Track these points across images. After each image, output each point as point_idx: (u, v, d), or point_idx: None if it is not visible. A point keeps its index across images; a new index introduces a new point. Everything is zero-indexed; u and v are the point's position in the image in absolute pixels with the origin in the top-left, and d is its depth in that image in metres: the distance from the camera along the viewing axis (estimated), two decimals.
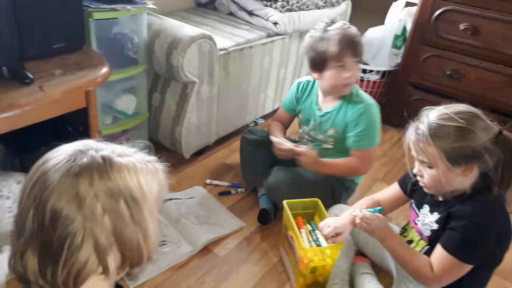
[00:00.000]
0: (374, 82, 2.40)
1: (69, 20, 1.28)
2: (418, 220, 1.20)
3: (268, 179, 1.53)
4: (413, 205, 1.25)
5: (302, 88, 1.61)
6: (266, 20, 2.03)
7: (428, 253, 1.14)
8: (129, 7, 1.43)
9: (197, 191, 1.69)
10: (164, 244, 1.41)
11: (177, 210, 1.56)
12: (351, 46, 1.39)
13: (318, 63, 1.43)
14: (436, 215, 1.13)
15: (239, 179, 1.80)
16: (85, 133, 1.33)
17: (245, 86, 1.97)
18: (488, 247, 1.06)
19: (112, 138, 1.64)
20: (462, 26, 2.01)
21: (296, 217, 1.38)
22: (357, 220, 1.18)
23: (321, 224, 1.28)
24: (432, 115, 1.05)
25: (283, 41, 2.08)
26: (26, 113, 1.08)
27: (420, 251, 1.18)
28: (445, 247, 1.07)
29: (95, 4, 1.39)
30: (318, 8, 2.21)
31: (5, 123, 1.05)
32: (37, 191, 0.59)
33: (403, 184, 1.29)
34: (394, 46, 2.36)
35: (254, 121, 2.24)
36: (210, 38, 1.64)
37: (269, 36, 2.01)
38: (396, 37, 2.36)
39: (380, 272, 1.38)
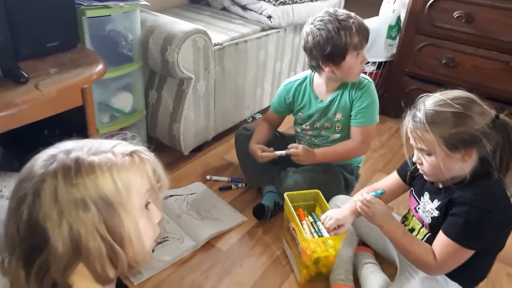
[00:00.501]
0: (370, 73, 2.40)
1: (62, 19, 1.27)
2: (419, 208, 1.20)
3: (287, 183, 1.51)
4: (413, 193, 1.25)
5: (294, 90, 1.57)
6: (260, 14, 2.02)
7: (430, 240, 1.14)
8: (121, 4, 1.42)
9: (197, 187, 1.69)
10: (167, 240, 1.40)
11: (178, 206, 1.56)
12: (366, 34, 1.39)
13: (337, 55, 1.38)
14: (436, 202, 1.13)
15: (239, 174, 1.79)
16: (83, 132, 1.32)
17: (242, 81, 1.97)
18: (491, 232, 1.06)
19: (111, 137, 1.63)
20: (456, 14, 2.01)
21: (297, 209, 1.38)
22: (358, 204, 1.18)
23: (323, 216, 1.28)
24: (428, 102, 1.05)
25: (278, 35, 2.08)
26: (22, 112, 1.07)
27: (422, 239, 1.18)
28: (447, 233, 1.07)
29: (88, 2, 1.38)
30: (312, 1, 2.21)
31: (2, 123, 1.04)
32: (15, 204, 0.60)
33: (401, 172, 1.29)
34: (389, 36, 2.36)
35: (252, 116, 2.24)
36: (204, 33, 1.63)
37: (263, 30, 2.00)
38: (391, 27, 2.36)
39: (383, 261, 1.38)
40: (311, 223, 1.37)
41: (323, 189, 1.42)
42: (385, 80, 2.42)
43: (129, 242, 0.62)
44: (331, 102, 1.52)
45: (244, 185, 1.73)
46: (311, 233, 1.35)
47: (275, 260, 1.41)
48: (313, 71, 1.53)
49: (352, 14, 1.41)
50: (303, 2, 2.16)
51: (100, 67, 1.27)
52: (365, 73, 2.39)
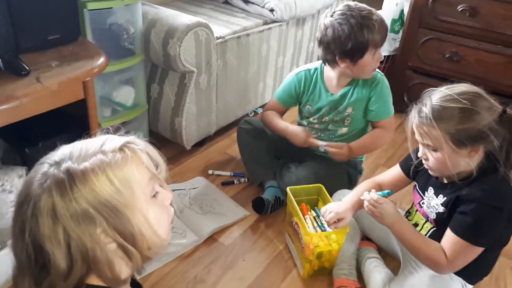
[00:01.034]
0: None
1: (64, 11, 1.26)
2: (423, 203, 1.19)
3: (289, 178, 1.50)
4: (417, 188, 1.24)
5: (304, 80, 1.53)
6: (262, 7, 2.00)
7: (435, 235, 1.14)
8: None
9: (199, 181, 1.68)
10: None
11: (181, 200, 1.55)
12: (386, 32, 1.37)
13: (357, 52, 1.34)
14: (441, 198, 1.12)
15: (241, 168, 1.79)
16: (84, 126, 1.31)
17: (244, 75, 1.96)
18: (500, 229, 1.05)
19: (113, 131, 1.62)
20: (460, 8, 1.99)
21: (300, 203, 1.37)
22: (365, 204, 1.16)
23: (323, 209, 1.27)
24: (434, 97, 1.03)
25: (280, 28, 2.06)
26: (24, 105, 1.06)
27: (426, 234, 1.17)
28: (456, 231, 1.05)
29: None
30: None
31: (4, 116, 1.04)
32: (18, 229, 0.59)
33: (404, 166, 1.28)
34: (392, 30, 2.35)
35: (254, 111, 2.23)
36: (206, 26, 1.62)
37: (265, 23, 1.99)
38: (394, 21, 2.34)
39: (386, 256, 1.37)
40: (314, 217, 1.36)
41: (326, 184, 1.41)
42: (388, 75, 2.38)
43: (142, 237, 0.62)
44: (343, 96, 1.50)
45: (246, 179, 1.72)
46: (314, 227, 1.35)
47: (277, 255, 1.40)
48: (324, 64, 1.49)
49: (373, 9, 1.37)
50: None
51: (101, 60, 1.26)
52: None
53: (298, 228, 1.30)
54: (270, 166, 1.61)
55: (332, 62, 1.42)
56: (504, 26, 1.92)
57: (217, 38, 1.71)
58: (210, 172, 1.75)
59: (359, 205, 1.22)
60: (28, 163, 1.28)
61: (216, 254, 1.38)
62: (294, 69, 2.33)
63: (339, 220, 1.23)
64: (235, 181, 1.71)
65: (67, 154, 0.61)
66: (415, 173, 1.24)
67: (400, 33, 2.31)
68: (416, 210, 1.24)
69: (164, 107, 1.76)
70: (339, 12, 1.35)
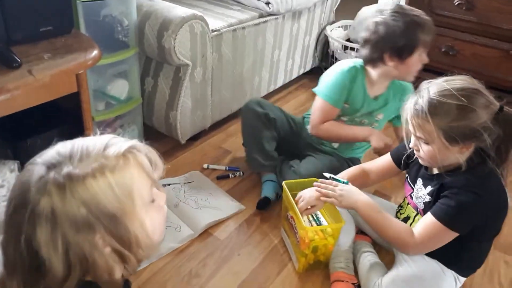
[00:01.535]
0: None
1: (56, 2, 1.23)
2: (413, 194, 1.20)
3: (289, 176, 1.48)
4: (408, 180, 1.24)
5: (352, 77, 1.47)
6: (258, 0, 1.98)
7: None
8: None
9: (194, 176, 1.67)
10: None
11: (175, 195, 1.54)
12: (434, 34, 1.37)
13: (408, 50, 1.34)
14: (429, 188, 1.12)
15: (237, 163, 1.78)
16: (78, 120, 1.30)
17: (239, 68, 1.94)
18: (477, 217, 1.05)
19: (106, 125, 1.61)
20: (456, 1, 1.98)
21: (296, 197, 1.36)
22: (317, 189, 1.19)
23: (298, 196, 1.27)
24: (432, 89, 1.02)
25: (276, 22, 2.04)
26: (15, 98, 1.04)
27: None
28: (433, 213, 1.06)
29: None
30: None
31: None
32: (14, 231, 0.57)
33: (395, 155, 1.28)
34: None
35: None
36: (201, 19, 1.60)
37: (261, 16, 1.97)
38: None
39: (381, 250, 1.38)
40: None
41: None
42: None
43: (137, 242, 0.61)
44: (379, 101, 1.50)
45: (241, 173, 1.71)
46: (310, 221, 1.34)
47: (273, 249, 1.40)
48: (366, 64, 1.46)
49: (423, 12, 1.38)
50: None
51: (95, 52, 1.24)
52: None
53: (294, 222, 1.30)
54: (272, 159, 1.58)
55: (377, 61, 1.40)
56: (500, 20, 1.92)
57: (213, 31, 1.70)
58: (205, 166, 1.74)
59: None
60: (20, 157, 1.27)
61: (211, 249, 1.37)
62: (290, 63, 2.32)
63: (312, 207, 1.23)
64: (230, 175, 1.70)
65: (67, 155, 0.58)
66: (406, 164, 1.24)
67: None
68: (408, 203, 1.24)
69: (159, 101, 1.75)
70: (392, 10, 1.36)
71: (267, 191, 1.56)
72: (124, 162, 0.60)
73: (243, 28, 1.86)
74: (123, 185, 0.58)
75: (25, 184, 0.57)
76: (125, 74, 1.63)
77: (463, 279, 1.18)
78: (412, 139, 1.10)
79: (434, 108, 0.99)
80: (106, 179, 0.57)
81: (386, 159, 1.31)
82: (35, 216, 0.55)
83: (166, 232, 1.36)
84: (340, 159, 1.57)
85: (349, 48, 2.38)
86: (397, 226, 1.12)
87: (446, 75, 1.41)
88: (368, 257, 1.31)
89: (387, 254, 1.36)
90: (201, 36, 1.62)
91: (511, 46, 1.94)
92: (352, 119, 1.54)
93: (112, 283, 0.62)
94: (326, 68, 2.60)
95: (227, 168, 1.74)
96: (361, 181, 1.31)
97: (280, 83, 2.33)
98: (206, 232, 1.42)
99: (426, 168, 1.16)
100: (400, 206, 1.30)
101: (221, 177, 1.69)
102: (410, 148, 1.14)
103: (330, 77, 1.50)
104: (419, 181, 1.17)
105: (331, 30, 2.50)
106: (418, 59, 1.37)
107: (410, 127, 1.06)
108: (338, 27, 2.59)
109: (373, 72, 1.45)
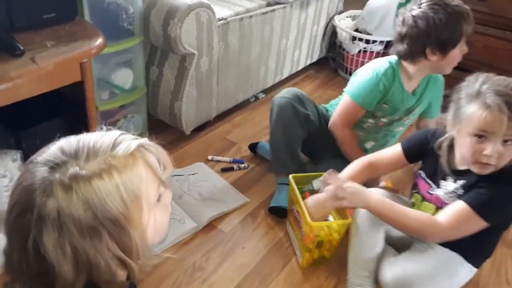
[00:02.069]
0: (378, 52, 2.33)
1: None
2: (433, 191, 1.15)
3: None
4: (423, 176, 1.20)
5: (389, 81, 1.39)
6: None
7: None
8: None
9: (199, 167, 1.65)
10: None
11: (180, 186, 1.53)
12: (474, 24, 1.32)
13: (451, 42, 1.28)
14: (460, 182, 1.09)
15: (241, 154, 1.76)
16: (81, 109, 1.28)
17: (246, 58, 1.91)
18: (508, 211, 1.04)
19: (110, 114, 1.59)
20: None
21: (304, 192, 1.35)
22: (328, 195, 1.13)
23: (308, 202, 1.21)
24: None
25: (284, 11, 2.00)
26: (18, 86, 1.02)
27: None
28: (468, 201, 1.03)
29: None
30: None
31: None
32: (19, 236, 0.54)
33: (407, 148, 1.23)
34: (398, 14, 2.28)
35: (255, 96, 2.19)
36: (208, 7, 1.56)
37: (269, 5, 1.93)
38: (400, 5, 2.27)
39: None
40: None
41: None
42: None
43: (136, 252, 0.58)
44: (418, 95, 1.46)
45: (246, 166, 1.69)
46: None
47: (277, 242, 1.38)
48: (403, 59, 1.39)
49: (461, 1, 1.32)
50: None
51: (99, 40, 1.22)
52: (372, 52, 2.34)
53: (299, 216, 1.28)
54: (299, 161, 1.48)
55: (417, 56, 1.34)
56: None
57: (219, 20, 1.66)
58: (209, 157, 1.72)
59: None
60: (23, 146, 1.25)
61: (215, 241, 1.36)
62: (297, 53, 2.28)
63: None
64: (235, 167, 1.68)
65: (72, 154, 0.55)
66: (415, 158, 1.21)
67: None
68: (423, 200, 1.20)
69: (164, 91, 1.72)
70: (429, 3, 1.29)
71: (282, 201, 1.46)
72: (132, 162, 0.57)
73: (250, 17, 1.82)
74: (130, 186, 0.56)
75: (28, 187, 0.54)
76: (130, 63, 1.60)
77: (475, 270, 1.16)
78: (495, 145, 0.97)
79: None
80: (113, 181, 0.54)
81: (395, 151, 1.26)
82: (42, 219, 0.52)
83: (170, 224, 1.35)
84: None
85: (357, 39, 2.34)
86: (416, 215, 1.08)
87: (456, 67, 1.38)
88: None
89: None
90: (208, 24, 1.59)
91: None
92: (391, 119, 1.48)
93: (117, 286, 0.61)
94: (333, 59, 2.58)
95: (232, 160, 1.72)
96: (369, 174, 1.27)
97: (286, 73, 2.30)
98: (210, 225, 1.41)
99: (447, 162, 1.11)
100: (412, 204, 1.26)
101: (226, 169, 1.67)
102: (438, 147, 1.10)
103: (363, 78, 1.41)
104: (448, 178, 1.12)
105: (339, 20, 2.45)
106: (459, 51, 1.32)
107: (496, 130, 0.96)
108: (347, 17, 2.54)
109: (411, 68, 1.39)
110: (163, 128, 1.82)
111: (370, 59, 2.33)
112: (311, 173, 1.39)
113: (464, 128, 1.01)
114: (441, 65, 1.35)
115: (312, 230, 1.21)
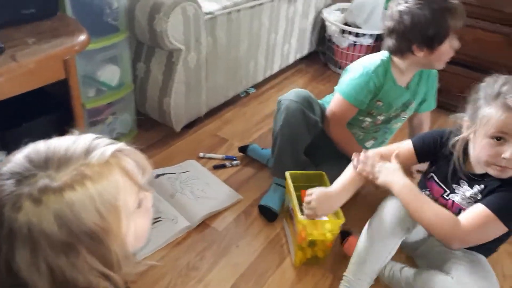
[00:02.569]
0: (368, 46, 2.32)
1: None
2: (448, 196, 1.12)
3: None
4: (436, 180, 1.16)
5: (379, 78, 1.36)
6: None
7: None
8: None
9: (190, 165, 1.62)
10: (160, 220, 1.34)
11: (171, 185, 1.49)
12: (465, 18, 1.28)
13: (438, 38, 1.25)
14: (478, 186, 1.05)
15: (234, 151, 1.73)
16: (68, 107, 1.23)
17: (234, 53, 1.87)
18: None
19: (98, 112, 1.54)
20: None
21: (300, 190, 1.32)
22: (355, 163, 1.12)
23: (307, 198, 1.18)
24: None
25: (272, 4, 1.97)
26: None
27: None
28: (488, 205, 0.99)
29: None
30: None
31: None
32: None
33: (419, 146, 1.18)
34: (387, 8, 2.27)
35: (245, 91, 2.16)
36: (194, 1, 1.53)
37: None
38: None
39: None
40: None
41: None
42: None
43: (118, 263, 0.55)
44: (411, 89, 1.43)
45: (239, 162, 1.66)
46: None
47: (272, 240, 1.36)
48: (393, 55, 1.36)
49: None
50: None
51: (83, 37, 1.18)
52: (361, 46, 2.32)
53: (294, 214, 1.26)
54: (301, 165, 1.43)
55: (405, 52, 1.31)
56: (502, 3, 1.87)
57: (206, 14, 1.62)
58: (201, 155, 1.68)
59: (354, 183, 1.16)
60: (8, 147, 1.20)
61: (209, 240, 1.33)
62: (286, 47, 2.25)
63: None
64: (227, 164, 1.65)
65: (41, 163, 0.51)
66: (425, 157, 1.18)
67: None
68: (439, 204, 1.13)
69: (152, 87, 1.68)
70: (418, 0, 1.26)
71: (272, 202, 1.44)
72: (108, 170, 0.53)
73: (238, 11, 1.78)
74: (106, 197, 0.52)
75: None
76: (116, 60, 1.55)
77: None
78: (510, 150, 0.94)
79: None
80: (87, 192, 0.50)
81: (406, 148, 1.19)
82: (12, 236, 0.49)
83: (162, 224, 1.33)
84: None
85: (346, 32, 2.32)
86: (440, 210, 1.02)
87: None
88: (406, 271, 1.17)
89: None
90: (194, 19, 1.55)
91: None
92: (388, 116, 1.46)
93: None
94: (323, 53, 2.56)
95: (224, 157, 1.69)
96: None
97: (276, 68, 2.27)
98: (204, 224, 1.38)
99: (461, 166, 1.08)
100: None
101: (218, 166, 1.64)
102: (463, 152, 1.07)
103: (353, 76, 1.38)
104: (463, 183, 1.09)
105: (328, 14, 2.43)
106: (449, 46, 1.28)
107: None
108: (335, 10, 2.52)
109: (402, 63, 1.36)
110: (152, 126, 1.78)
111: (360, 52, 2.31)
112: (310, 171, 1.36)
113: (482, 129, 0.98)
114: (430, 61, 1.32)
115: (304, 228, 1.19)
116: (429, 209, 1.03)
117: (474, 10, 1.93)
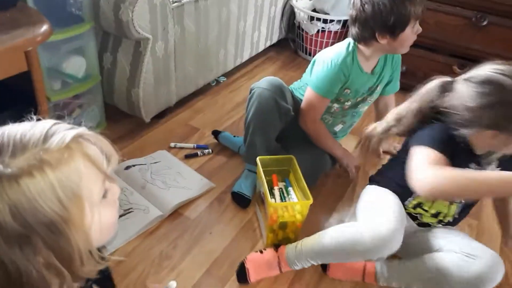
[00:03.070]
0: (336, 32, 2.35)
1: None
2: None
3: (310, 165, 1.45)
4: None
5: (346, 66, 1.38)
6: None
7: (465, 211, 1.17)
8: None
9: (161, 155, 1.62)
10: (131, 211, 1.35)
11: (142, 176, 1.49)
12: (425, 2, 1.30)
13: (399, 26, 1.27)
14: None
15: (205, 140, 1.74)
16: (32, 101, 1.21)
17: (203, 41, 1.87)
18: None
19: (64, 105, 1.52)
20: None
21: (271, 174, 1.35)
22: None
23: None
24: None
25: None
26: None
27: (454, 215, 1.16)
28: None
29: None
30: None
31: None
32: None
33: (445, 151, 1.04)
34: None
35: (216, 80, 2.16)
36: None
37: None
38: None
39: None
40: (282, 188, 1.35)
41: (312, 168, 1.47)
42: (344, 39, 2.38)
43: (80, 259, 0.52)
44: (377, 74, 1.46)
45: (210, 151, 1.68)
46: (282, 198, 1.33)
47: (245, 226, 1.39)
48: (358, 42, 1.38)
49: None
50: None
51: (45, 27, 1.15)
52: (330, 32, 2.35)
53: (265, 198, 1.29)
54: (272, 152, 1.45)
55: (369, 40, 1.34)
56: None
57: (173, 2, 1.61)
58: (172, 145, 1.68)
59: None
60: None
61: (181, 229, 1.34)
62: (256, 34, 2.26)
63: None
64: (199, 153, 1.66)
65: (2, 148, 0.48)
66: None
67: None
68: None
69: (119, 78, 1.66)
70: None
71: (245, 189, 1.47)
72: (69, 155, 0.50)
73: None
74: (68, 184, 0.49)
75: None
76: (81, 51, 1.53)
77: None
78: None
79: None
80: (46, 178, 0.47)
81: (434, 159, 1.06)
82: None
83: (133, 215, 1.33)
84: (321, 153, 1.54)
85: (315, 19, 2.34)
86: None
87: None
88: None
89: None
90: (161, 7, 1.54)
91: (474, 14, 1.96)
92: (355, 102, 1.49)
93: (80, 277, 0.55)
94: (293, 40, 2.58)
95: (195, 146, 1.69)
96: None
97: (246, 56, 2.27)
98: (176, 212, 1.39)
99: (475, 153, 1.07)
100: (418, 204, 1.18)
101: (190, 156, 1.64)
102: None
103: (322, 69, 1.40)
104: (492, 168, 1.09)
105: (296, 0, 2.44)
106: (411, 32, 1.32)
107: None
108: None
109: (366, 50, 1.39)
110: (121, 117, 1.76)
111: (328, 39, 2.35)
112: (280, 156, 1.39)
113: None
114: (394, 47, 1.35)
115: (275, 211, 1.22)
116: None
117: None
